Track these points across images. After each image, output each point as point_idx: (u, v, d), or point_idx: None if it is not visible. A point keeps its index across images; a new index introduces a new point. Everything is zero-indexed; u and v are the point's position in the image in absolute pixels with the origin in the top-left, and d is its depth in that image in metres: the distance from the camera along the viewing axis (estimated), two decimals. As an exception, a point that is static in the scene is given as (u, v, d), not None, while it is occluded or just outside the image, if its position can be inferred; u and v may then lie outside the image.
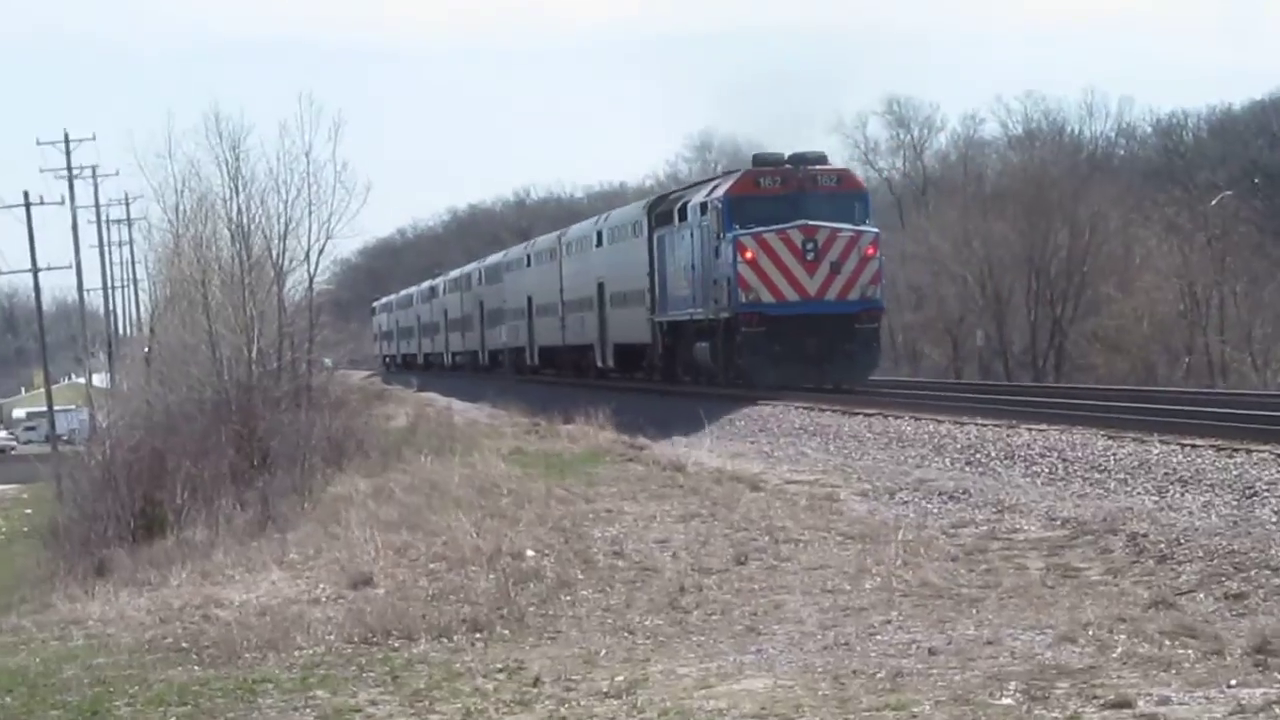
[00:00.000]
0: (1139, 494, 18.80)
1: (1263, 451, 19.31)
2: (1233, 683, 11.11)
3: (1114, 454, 21.19)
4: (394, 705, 12.01)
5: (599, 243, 53.37)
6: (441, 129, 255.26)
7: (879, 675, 11.85)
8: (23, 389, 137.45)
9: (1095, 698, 10.89)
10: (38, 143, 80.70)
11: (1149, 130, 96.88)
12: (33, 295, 78.83)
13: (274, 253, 38.29)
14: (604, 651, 13.31)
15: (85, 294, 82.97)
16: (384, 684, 12.65)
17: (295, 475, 29.13)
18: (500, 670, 12.80)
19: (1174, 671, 11.50)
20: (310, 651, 13.95)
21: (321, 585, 17.19)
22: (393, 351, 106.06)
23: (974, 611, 14.00)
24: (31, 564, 32.18)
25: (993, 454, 23.30)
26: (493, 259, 75.08)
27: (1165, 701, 10.75)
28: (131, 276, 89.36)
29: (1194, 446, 20.47)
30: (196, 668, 13.70)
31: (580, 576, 16.59)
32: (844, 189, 39.39)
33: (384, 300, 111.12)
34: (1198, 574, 14.61)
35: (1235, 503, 17.31)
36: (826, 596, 15.03)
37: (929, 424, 27.07)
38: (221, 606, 16.48)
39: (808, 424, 30.49)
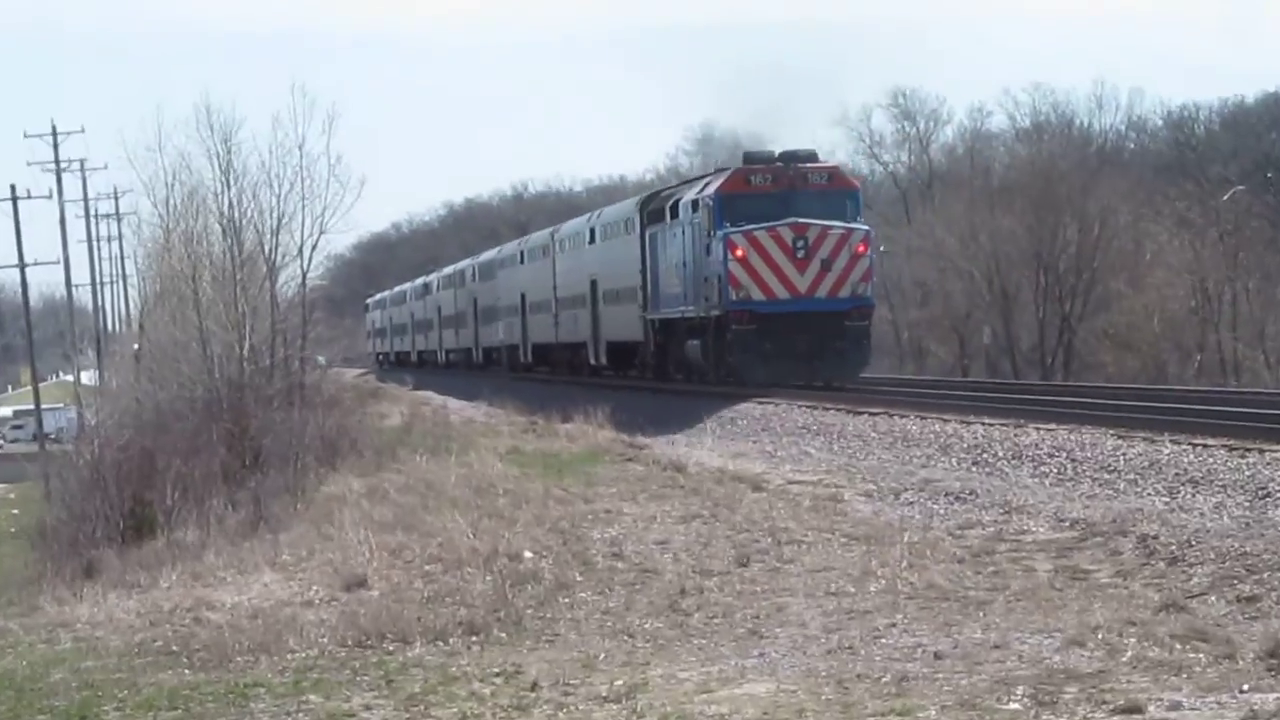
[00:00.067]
0: (1149, 495, 18.74)
1: (1276, 451, 19.34)
2: (1245, 687, 11.05)
3: (1124, 454, 21.14)
4: (388, 710, 11.93)
5: (592, 240, 53.41)
6: (437, 122, 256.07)
7: (884, 680, 11.79)
8: (10, 387, 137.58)
9: (1105, 703, 10.83)
10: (25, 135, 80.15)
11: (1160, 123, 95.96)
12: (19, 291, 79.07)
13: (266, 248, 38.02)
14: (603, 655, 13.22)
15: (73, 290, 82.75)
16: (378, 688, 12.57)
17: (288, 475, 28.98)
18: (497, 674, 12.72)
19: (1185, 676, 11.45)
20: (303, 655, 13.85)
21: (315, 587, 17.09)
22: (386, 349, 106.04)
23: (981, 614, 13.92)
24: (19, 565, 32.11)
25: (1000, 454, 23.22)
26: (486, 255, 75.08)
27: (1176, 707, 10.71)
28: (121, 272, 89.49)
29: (1206, 446, 20.46)
30: (187, 671, 13.60)
31: (579, 578, 16.51)
32: (835, 186, 39.49)
33: (378, 297, 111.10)
34: (1209, 576, 14.57)
35: (1248, 504, 17.28)
36: (830, 599, 14.95)
37: (935, 423, 27.07)
38: (212, 609, 16.38)
39: (811, 423, 30.43)
